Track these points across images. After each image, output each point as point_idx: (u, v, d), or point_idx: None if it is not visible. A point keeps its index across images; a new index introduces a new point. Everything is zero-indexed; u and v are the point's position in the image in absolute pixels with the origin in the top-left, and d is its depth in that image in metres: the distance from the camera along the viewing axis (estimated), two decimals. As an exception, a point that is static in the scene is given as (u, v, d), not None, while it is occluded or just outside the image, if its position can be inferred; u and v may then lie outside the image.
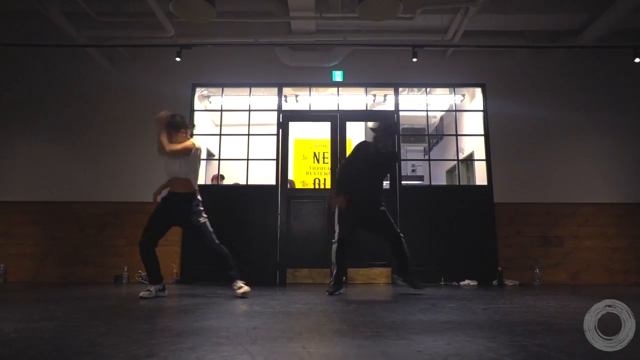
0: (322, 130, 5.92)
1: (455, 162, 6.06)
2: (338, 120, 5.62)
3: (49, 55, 5.63)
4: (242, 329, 1.89)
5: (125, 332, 1.83)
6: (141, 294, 3.34)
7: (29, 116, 5.58)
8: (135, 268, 5.14)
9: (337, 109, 5.71)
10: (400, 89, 5.80)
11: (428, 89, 5.97)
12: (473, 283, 4.95)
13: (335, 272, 3.77)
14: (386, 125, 3.92)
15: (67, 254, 5.26)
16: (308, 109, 5.81)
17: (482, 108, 5.67)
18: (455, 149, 5.91)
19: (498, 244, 5.23)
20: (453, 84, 5.87)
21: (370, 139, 3.99)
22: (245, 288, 3.35)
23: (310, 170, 6.61)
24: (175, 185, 3.52)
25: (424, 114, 5.95)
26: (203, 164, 6.77)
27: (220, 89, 5.85)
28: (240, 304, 2.95)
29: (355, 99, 6.18)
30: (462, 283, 4.96)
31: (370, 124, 3.95)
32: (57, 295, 3.49)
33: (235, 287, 3.37)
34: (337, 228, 3.78)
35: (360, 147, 3.87)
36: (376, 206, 3.77)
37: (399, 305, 2.92)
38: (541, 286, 4.82)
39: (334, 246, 3.77)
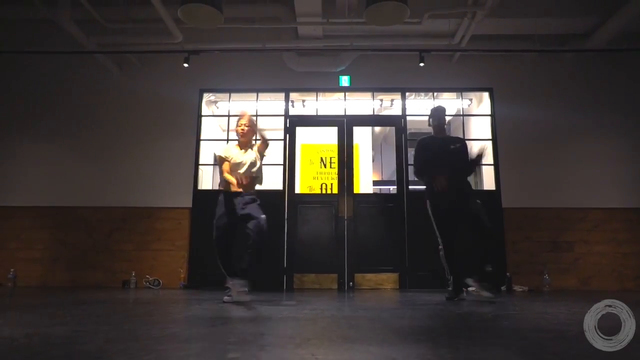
0: (329, 135, 5.93)
1: (463, 166, 6.03)
2: (345, 125, 5.63)
3: (58, 61, 5.69)
4: (250, 335, 1.89)
5: (134, 337, 1.83)
6: (225, 298, 3.36)
7: (37, 121, 5.64)
8: (143, 273, 5.16)
9: (344, 113, 5.72)
10: (407, 94, 5.80)
11: (435, 94, 5.96)
12: (482, 289, 4.89)
13: (451, 277, 3.72)
14: (432, 111, 4.02)
15: (76, 259, 5.30)
16: (315, 114, 5.82)
17: (489, 112, 5.65)
18: (462, 153, 5.86)
19: (507, 249, 5.18)
20: (460, 89, 5.85)
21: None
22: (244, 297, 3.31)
23: (318, 175, 6.61)
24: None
25: (431, 118, 5.93)
26: (211, 168, 6.81)
27: (228, 94, 5.88)
28: (247, 309, 2.95)
29: (362, 103, 6.18)
30: (470, 289, 4.90)
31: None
32: (66, 300, 3.51)
33: (233, 286, 3.33)
34: (437, 233, 3.76)
35: (424, 143, 3.91)
36: (466, 195, 3.75)
37: (407, 311, 2.90)
38: (550, 292, 4.76)
39: (441, 252, 3.75)
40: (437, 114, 3.96)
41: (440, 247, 3.77)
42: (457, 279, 3.72)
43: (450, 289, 3.76)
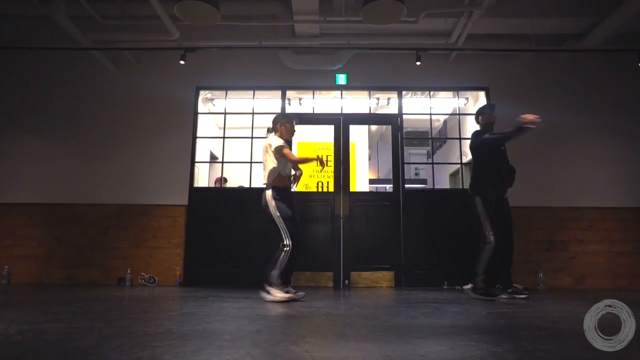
0: (326, 134, 5.93)
1: (459, 165, 6.05)
2: (341, 123, 5.63)
3: (53, 58, 5.66)
4: (245, 332, 1.89)
5: (129, 334, 1.83)
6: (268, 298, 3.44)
7: (33, 118, 5.61)
8: (139, 270, 5.15)
9: (340, 112, 5.72)
10: (403, 93, 5.80)
11: (432, 93, 5.96)
12: (477, 287, 4.91)
13: (482, 279, 3.53)
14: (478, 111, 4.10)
15: (71, 256, 5.27)
16: (311, 112, 5.81)
17: (486, 111, 5.66)
18: (458, 152, 5.89)
19: (502, 248, 5.20)
20: (457, 88, 5.86)
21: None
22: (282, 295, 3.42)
23: (314, 174, 6.60)
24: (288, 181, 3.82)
25: (428, 117, 5.94)
26: (207, 166, 6.81)
27: (224, 92, 5.87)
28: (243, 307, 2.95)
29: (358, 102, 6.18)
30: (465, 287, 4.92)
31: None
32: (61, 297, 3.50)
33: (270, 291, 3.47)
34: (487, 224, 3.49)
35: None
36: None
37: (402, 309, 2.91)
38: (545, 291, 4.79)
39: (487, 247, 3.47)
40: (484, 114, 4.03)
41: (487, 240, 3.53)
42: (488, 283, 3.58)
43: (480, 286, 3.61)
